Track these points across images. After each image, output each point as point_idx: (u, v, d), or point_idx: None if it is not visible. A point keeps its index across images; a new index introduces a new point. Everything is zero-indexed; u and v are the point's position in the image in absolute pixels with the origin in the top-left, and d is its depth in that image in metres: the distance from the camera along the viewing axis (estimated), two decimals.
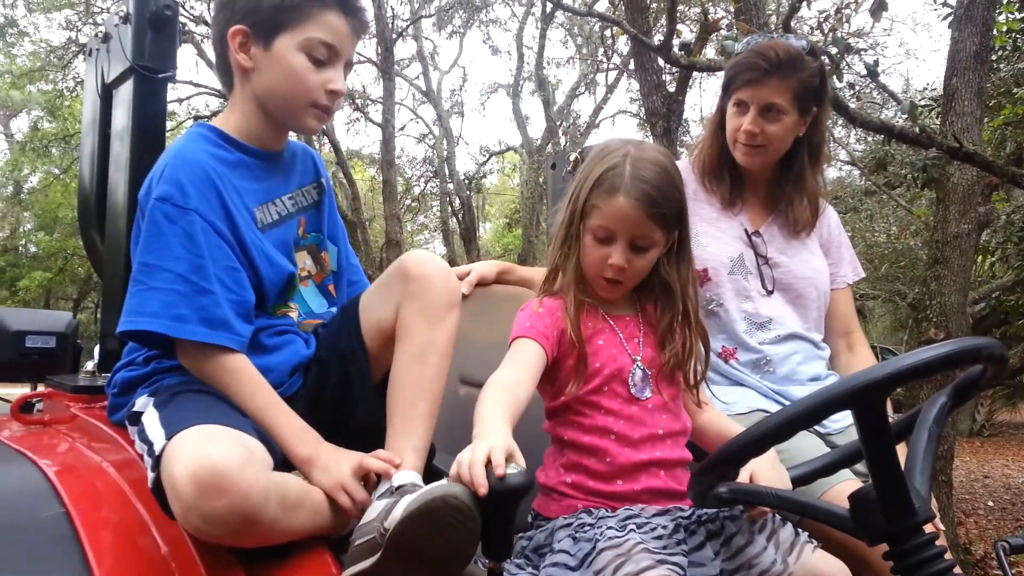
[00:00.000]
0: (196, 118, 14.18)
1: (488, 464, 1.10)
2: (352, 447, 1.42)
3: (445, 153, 16.78)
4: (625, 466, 1.41)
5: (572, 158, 2.58)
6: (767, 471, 1.37)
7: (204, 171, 1.44)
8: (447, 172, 16.68)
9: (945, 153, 4.08)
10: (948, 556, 1.13)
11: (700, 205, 2.00)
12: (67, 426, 1.59)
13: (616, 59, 14.90)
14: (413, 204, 18.51)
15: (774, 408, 1.86)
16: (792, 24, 4.14)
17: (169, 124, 13.60)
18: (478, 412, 1.25)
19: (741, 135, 1.92)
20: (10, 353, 1.97)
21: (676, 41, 4.64)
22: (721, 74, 2.09)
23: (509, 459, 1.11)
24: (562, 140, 16.22)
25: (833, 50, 3.86)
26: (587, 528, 1.32)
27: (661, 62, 5.76)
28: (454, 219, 16.89)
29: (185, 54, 14.74)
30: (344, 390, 1.53)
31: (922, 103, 6.61)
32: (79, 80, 14.24)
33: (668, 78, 6.74)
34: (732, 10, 5.23)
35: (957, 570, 1.13)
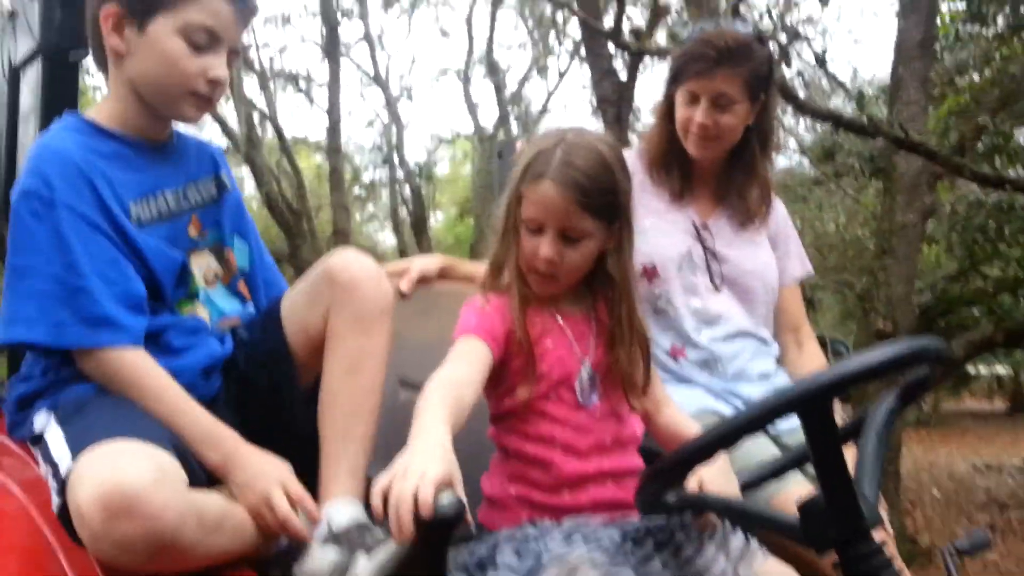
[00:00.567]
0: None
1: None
2: (291, 458, 1.33)
3: (395, 140, 16.57)
4: (571, 477, 1.36)
5: (519, 146, 2.52)
6: (716, 477, 1.33)
7: (72, 162, 1.34)
8: (397, 160, 16.47)
9: (891, 143, 4.13)
10: (897, 564, 1.12)
11: (648, 197, 1.95)
12: None
13: (568, 45, 14.88)
14: (362, 193, 18.28)
15: (724, 408, 1.83)
16: (741, 10, 4.13)
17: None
18: (417, 413, 1.15)
19: (693, 127, 1.87)
20: None
21: (627, 26, 4.61)
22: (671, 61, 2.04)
23: (441, 487, 0.97)
24: (514, 126, 16.15)
25: (782, 37, 3.86)
26: (532, 541, 1.26)
27: (612, 47, 5.72)
28: (404, 208, 16.69)
29: None
30: (272, 398, 1.45)
31: (869, 93, 6.70)
32: None
33: (620, 64, 6.71)
34: None
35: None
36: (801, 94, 4.60)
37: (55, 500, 1.16)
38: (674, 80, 1.90)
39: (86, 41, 1.57)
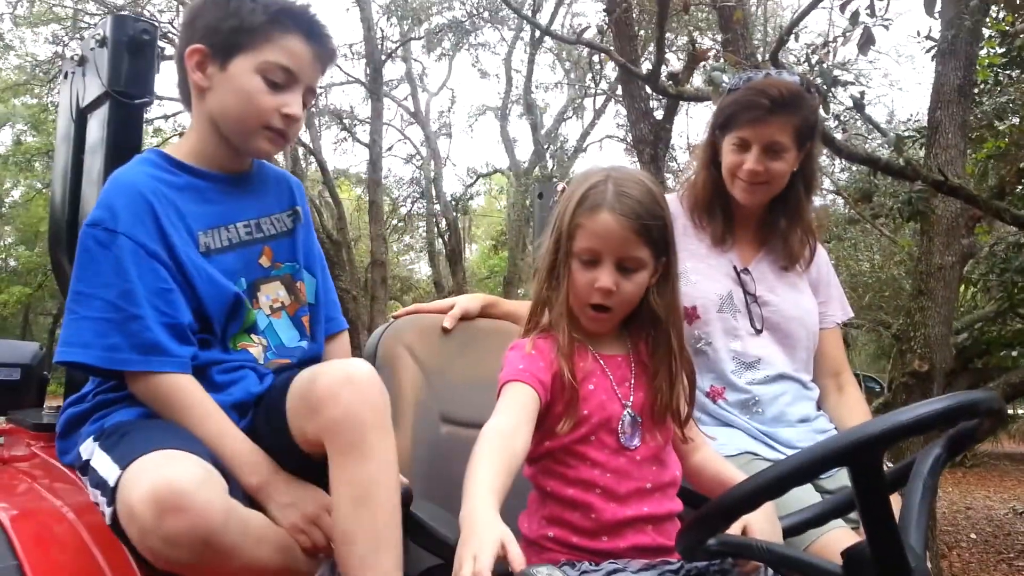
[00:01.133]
0: (183, 135, 14.09)
1: None
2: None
3: (432, 174, 16.75)
4: (611, 523, 1.35)
5: (560, 188, 2.55)
6: (762, 523, 1.33)
7: (139, 193, 1.41)
8: (434, 193, 16.64)
9: (931, 186, 4.10)
10: None
11: (689, 241, 1.96)
12: (27, 465, 1.53)
13: (604, 84, 14.99)
14: (399, 224, 18.45)
15: (763, 450, 1.82)
16: (779, 56, 4.15)
17: (156, 140, 13.56)
18: (468, 477, 1.13)
19: (744, 173, 1.89)
20: None
21: (664, 70, 4.65)
22: (708, 104, 2.06)
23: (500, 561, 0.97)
24: (549, 163, 16.25)
25: (819, 82, 3.87)
26: None
27: (648, 90, 5.77)
28: (440, 240, 16.83)
29: (172, 69, 14.68)
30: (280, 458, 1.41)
31: (906, 134, 6.66)
32: None
33: (655, 104, 6.76)
34: (720, 40, 5.25)
35: None
36: (838, 136, 4.58)
37: (107, 511, 1.20)
38: (723, 126, 1.93)
39: (150, 88, 1.64)
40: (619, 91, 9.25)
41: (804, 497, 1.63)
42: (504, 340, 1.48)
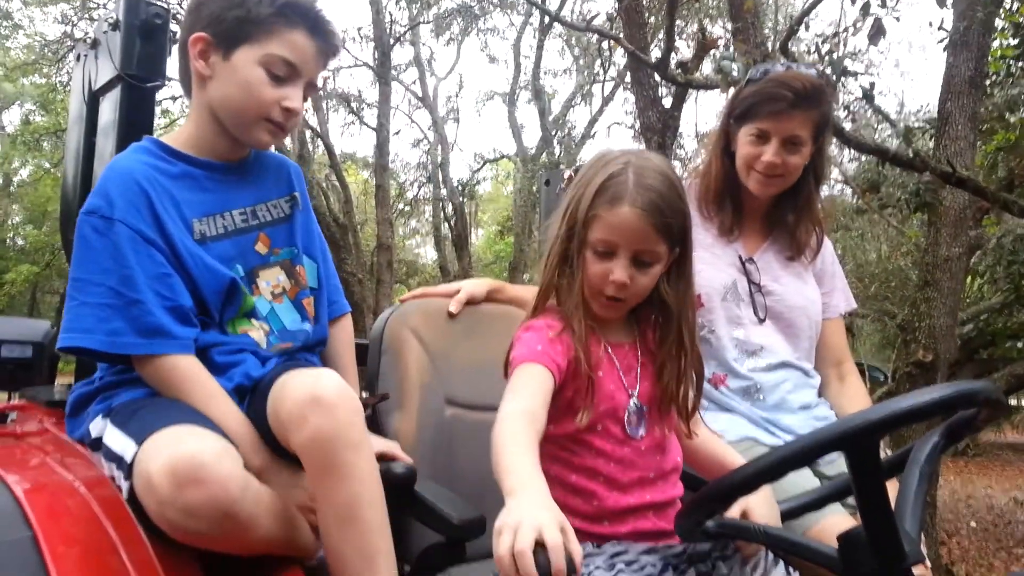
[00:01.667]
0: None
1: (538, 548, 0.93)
2: None
3: (439, 159, 16.75)
4: (612, 510, 1.36)
5: (567, 175, 2.56)
6: (761, 506, 1.35)
7: (134, 180, 1.42)
8: (441, 178, 16.63)
9: (939, 178, 4.09)
10: None
11: (696, 230, 1.94)
12: (40, 440, 1.56)
13: (613, 71, 14.95)
14: (406, 209, 18.46)
15: (764, 436, 1.84)
16: (789, 45, 4.15)
17: (164, 121, 13.57)
18: (503, 454, 1.11)
19: (761, 166, 1.89)
20: None
21: (673, 58, 4.65)
22: (718, 92, 2.06)
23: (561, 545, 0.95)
24: (557, 150, 16.22)
25: (829, 72, 3.86)
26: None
27: (657, 78, 5.76)
28: (446, 225, 16.84)
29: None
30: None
31: (915, 125, 6.64)
32: (72, 74, 14.17)
33: (664, 92, 6.74)
34: (730, 29, 5.23)
35: None
36: (847, 126, 4.57)
37: (124, 485, 1.23)
38: (741, 117, 1.92)
39: (162, 72, 1.65)
40: (628, 78, 9.23)
41: (803, 483, 1.65)
42: (509, 325, 1.48)
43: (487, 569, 1.39)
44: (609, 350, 1.43)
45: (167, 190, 1.46)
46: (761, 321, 1.94)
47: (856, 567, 1.10)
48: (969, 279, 6.53)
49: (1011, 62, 6.21)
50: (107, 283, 1.36)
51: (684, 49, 9.72)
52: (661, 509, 1.40)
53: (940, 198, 4.73)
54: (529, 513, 0.97)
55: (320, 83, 1.62)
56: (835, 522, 1.55)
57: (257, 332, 1.53)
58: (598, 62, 15.34)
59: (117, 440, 1.28)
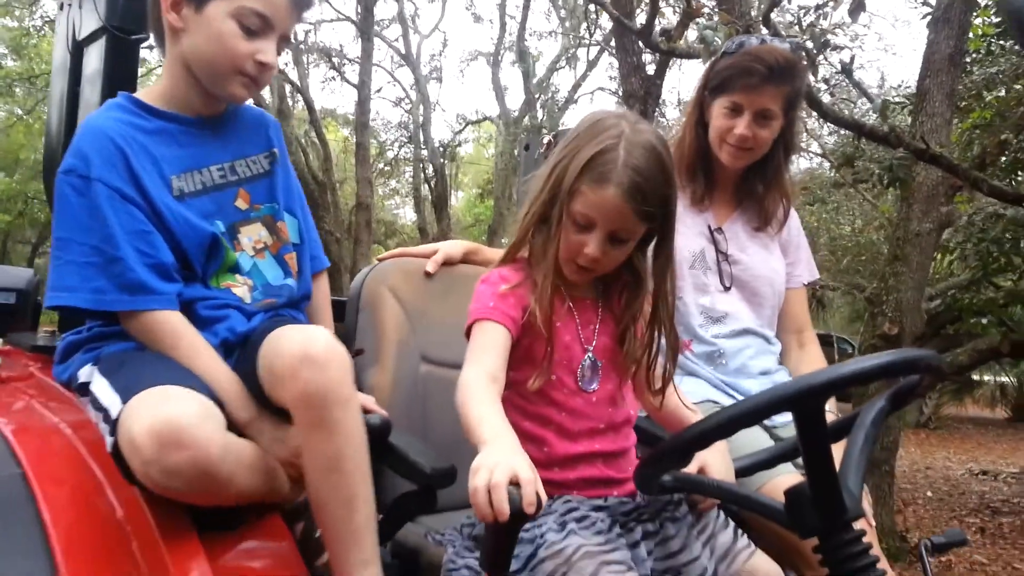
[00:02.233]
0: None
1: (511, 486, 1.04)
2: None
3: (421, 119, 16.61)
4: (562, 457, 1.41)
5: (546, 140, 2.60)
6: (717, 463, 1.43)
7: (109, 138, 1.43)
8: (422, 138, 16.53)
9: (913, 154, 4.16)
10: (875, 551, 1.20)
11: None
12: (24, 384, 1.60)
13: (599, 35, 14.85)
14: (386, 168, 18.34)
15: (724, 399, 1.92)
16: (772, 16, 4.17)
17: (141, 70, 13.31)
18: (472, 412, 1.20)
19: (733, 138, 1.94)
20: None
21: (658, 24, 4.66)
22: (699, 61, 2.09)
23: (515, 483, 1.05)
24: (540, 113, 16.16)
25: (810, 45, 3.90)
26: (529, 528, 1.29)
27: (641, 44, 5.76)
28: (426, 186, 16.77)
29: None
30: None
31: (895, 100, 6.70)
32: (47, 19, 13.84)
33: (648, 59, 6.75)
34: None
35: (882, 565, 1.19)
36: (826, 99, 4.62)
37: (108, 440, 1.26)
38: (716, 90, 1.96)
39: (146, 24, 1.65)
40: (613, 42, 9.20)
41: (759, 444, 1.74)
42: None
43: (457, 519, 1.47)
44: (570, 304, 1.47)
45: (144, 147, 1.47)
46: (726, 289, 2.01)
47: (801, 520, 1.17)
48: (940, 255, 6.63)
49: (992, 40, 6.27)
50: (88, 242, 1.38)
51: (670, 15, 9.68)
52: (610, 458, 1.45)
53: (913, 174, 4.80)
54: (504, 456, 1.08)
55: (297, 36, 1.61)
56: (785, 480, 1.63)
57: (241, 288, 1.55)
58: (584, 25, 15.23)
59: (104, 392, 1.32)
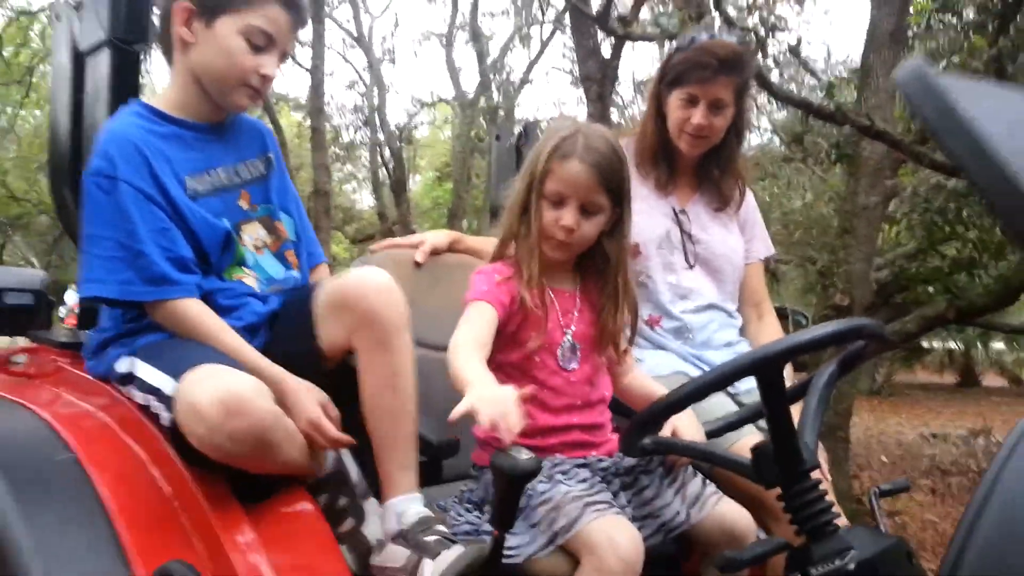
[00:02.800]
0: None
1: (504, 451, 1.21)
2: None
3: (375, 101, 16.51)
4: (544, 427, 1.59)
5: (516, 132, 2.77)
6: (688, 427, 1.61)
7: (131, 141, 1.56)
8: (377, 121, 16.42)
9: (858, 130, 4.35)
10: (829, 498, 1.38)
11: (636, 185, 2.16)
12: (53, 379, 1.71)
13: (551, 14, 14.90)
14: (342, 153, 18.19)
15: (692, 370, 2.08)
16: (723, 1, 4.34)
17: None
18: (462, 368, 1.38)
19: (690, 127, 2.09)
20: None
21: (614, 11, 4.80)
22: (653, 44, 2.24)
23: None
24: (495, 95, 16.18)
25: (760, 30, 4.09)
26: None
27: (598, 28, 5.90)
28: (383, 170, 16.70)
29: None
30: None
31: (842, 76, 6.92)
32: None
33: (602, 37, 6.88)
34: None
35: (836, 509, 1.37)
36: (775, 77, 4.81)
37: (165, 416, 1.41)
38: (672, 83, 2.12)
39: (146, 35, 1.76)
40: (567, 21, 9.31)
41: (722, 408, 1.92)
42: (470, 273, 1.68)
43: (455, 490, 1.62)
44: (551, 294, 1.66)
45: (160, 150, 1.59)
46: (691, 267, 2.17)
47: (766, 473, 1.35)
48: (888, 227, 6.88)
49: (931, 15, 6.51)
50: (115, 237, 1.52)
51: None
52: (588, 429, 1.65)
53: (860, 149, 5.01)
54: (493, 390, 1.29)
55: (290, 52, 1.75)
56: (750, 440, 1.80)
57: (250, 279, 1.69)
58: (535, 3, 15.26)
59: (152, 375, 1.45)
